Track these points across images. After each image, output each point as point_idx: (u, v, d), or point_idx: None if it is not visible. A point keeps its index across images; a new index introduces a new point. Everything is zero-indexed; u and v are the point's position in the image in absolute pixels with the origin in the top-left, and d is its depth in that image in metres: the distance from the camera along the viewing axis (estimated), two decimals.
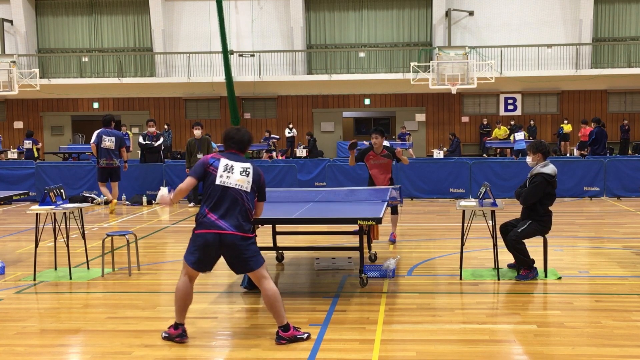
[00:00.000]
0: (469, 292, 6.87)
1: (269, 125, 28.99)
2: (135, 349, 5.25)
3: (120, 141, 13.59)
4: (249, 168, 5.31)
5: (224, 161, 5.27)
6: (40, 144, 25.50)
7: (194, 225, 5.30)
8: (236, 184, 5.23)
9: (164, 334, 5.40)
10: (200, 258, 5.22)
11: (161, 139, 16.14)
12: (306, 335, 5.35)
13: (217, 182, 5.21)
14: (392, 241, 9.54)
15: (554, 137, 27.47)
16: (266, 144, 25.39)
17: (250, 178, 5.29)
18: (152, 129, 15.77)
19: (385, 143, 9.64)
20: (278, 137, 27.13)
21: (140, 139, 15.98)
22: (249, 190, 5.28)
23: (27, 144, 23.77)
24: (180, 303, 5.34)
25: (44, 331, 5.78)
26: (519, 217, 7.55)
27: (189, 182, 5.28)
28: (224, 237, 5.12)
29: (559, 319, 5.90)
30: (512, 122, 27.19)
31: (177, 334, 5.34)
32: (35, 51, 29.08)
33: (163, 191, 5.52)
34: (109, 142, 13.35)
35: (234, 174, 5.24)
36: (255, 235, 5.40)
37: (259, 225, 7.53)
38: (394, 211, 9.44)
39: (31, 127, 29.59)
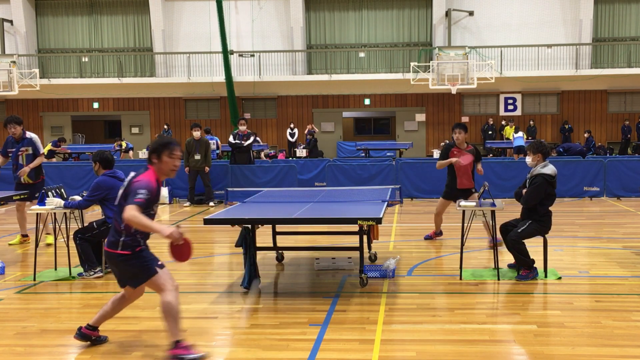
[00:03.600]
0: (469, 292, 6.87)
1: (269, 125, 28.98)
2: (135, 348, 5.25)
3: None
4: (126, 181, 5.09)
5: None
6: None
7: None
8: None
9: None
10: None
11: (252, 138, 15.24)
12: (199, 355, 4.86)
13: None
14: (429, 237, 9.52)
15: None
16: (307, 138, 25.60)
17: (121, 190, 5.07)
18: (243, 127, 14.98)
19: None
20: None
21: (231, 138, 15.23)
22: (116, 202, 5.08)
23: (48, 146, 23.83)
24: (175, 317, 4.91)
25: (44, 331, 5.78)
26: (519, 217, 7.55)
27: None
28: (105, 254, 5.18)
29: (559, 319, 5.90)
30: (505, 122, 27.30)
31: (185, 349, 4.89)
32: (35, 51, 29.07)
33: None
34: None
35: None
36: (132, 253, 4.93)
37: (259, 226, 7.52)
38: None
39: (31, 127, 29.56)
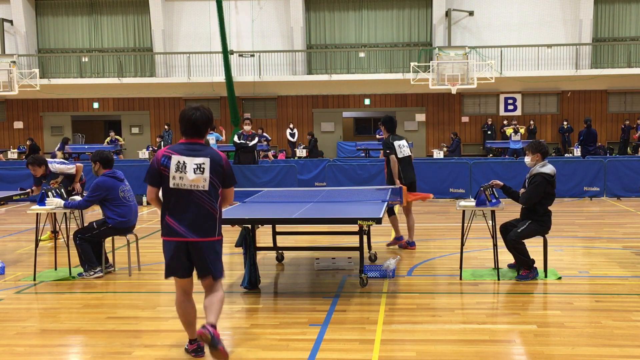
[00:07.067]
0: (469, 292, 6.87)
1: (269, 125, 28.99)
2: (135, 349, 5.25)
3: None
4: (203, 163, 4.76)
5: (175, 159, 4.77)
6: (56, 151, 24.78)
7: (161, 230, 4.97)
8: (191, 185, 4.76)
9: (185, 346, 5.13)
10: (171, 265, 4.87)
11: (256, 139, 15.26)
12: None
13: (171, 185, 4.77)
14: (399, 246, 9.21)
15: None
16: (264, 144, 25.23)
17: (206, 174, 4.76)
18: (248, 128, 15.01)
19: None
20: (269, 137, 26.70)
21: (235, 138, 15.25)
22: (207, 188, 4.77)
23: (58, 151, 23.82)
24: (182, 319, 5.00)
25: (44, 331, 5.78)
26: (518, 217, 7.55)
27: (149, 191, 4.92)
28: (190, 245, 4.80)
29: (559, 319, 5.90)
30: (507, 122, 27.18)
31: (192, 349, 5.02)
32: (35, 51, 29.07)
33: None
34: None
35: (187, 174, 4.75)
36: (221, 237, 4.96)
37: (259, 226, 7.53)
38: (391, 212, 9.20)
39: (31, 127, 29.64)
